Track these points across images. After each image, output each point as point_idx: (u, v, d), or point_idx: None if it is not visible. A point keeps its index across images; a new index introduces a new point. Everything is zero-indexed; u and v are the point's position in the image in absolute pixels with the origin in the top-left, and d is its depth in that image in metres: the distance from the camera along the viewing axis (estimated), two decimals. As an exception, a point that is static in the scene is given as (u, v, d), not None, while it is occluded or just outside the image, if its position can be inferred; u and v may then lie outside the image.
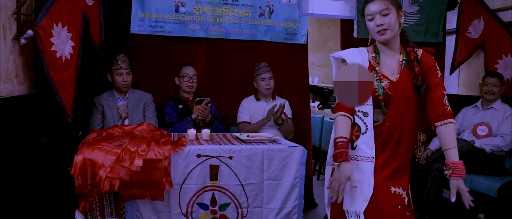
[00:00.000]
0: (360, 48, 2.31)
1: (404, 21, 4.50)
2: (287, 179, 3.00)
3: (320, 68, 7.38)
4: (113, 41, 3.84)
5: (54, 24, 2.68)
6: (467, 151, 3.85)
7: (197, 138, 3.17)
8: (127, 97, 3.65)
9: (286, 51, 4.34)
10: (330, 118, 5.44)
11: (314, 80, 7.22)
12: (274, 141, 3.18)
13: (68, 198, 2.87)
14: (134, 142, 2.82)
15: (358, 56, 2.26)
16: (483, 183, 3.71)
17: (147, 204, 2.85)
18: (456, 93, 5.03)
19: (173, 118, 3.76)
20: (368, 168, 2.17)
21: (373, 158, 2.17)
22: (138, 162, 2.65)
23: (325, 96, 6.24)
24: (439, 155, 3.94)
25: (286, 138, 3.65)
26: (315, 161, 5.77)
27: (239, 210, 2.97)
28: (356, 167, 2.16)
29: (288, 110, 4.06)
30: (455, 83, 5.09)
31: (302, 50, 4.38)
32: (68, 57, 2.88)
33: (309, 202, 4.45)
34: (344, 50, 2.36)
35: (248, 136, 3.26)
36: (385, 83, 2.19)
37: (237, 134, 3.36)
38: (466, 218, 4.01)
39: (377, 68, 2.21)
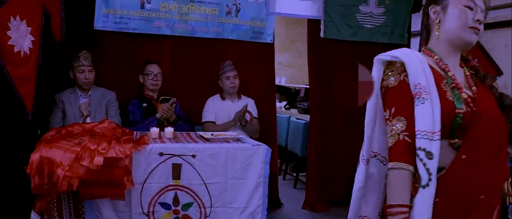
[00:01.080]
0: (413, 50, 1.62)
1: (370, 21, 4.56)
2: (251, 178, 2.98)
3: (288, 68, 7.39)
4: (76, 37, 3.74)
5: (11, 17, 2.58)
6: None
7: (160, 137, 3.11)
8: (90, 95, 3.56)
9: (252, 50, 4.32)
10: (297, 118, 5.45)
11: (281, 80, 7.23)
12: (238, 140, 3.15)
13: (23, 198, 2.78)
14: (94, 140, 2.75)
15: (415, 57, 1.53)
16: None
17: (107, 204, 2.78)
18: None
19: (136, 117, 3.69)
20: None
21: None
22: (98, 161, 2.58)
23: (292, 96, 6.25)
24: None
25: (251, 137, 3.64)
26: (281, 161, 5.78)
27: (202, 209, 2.93)
28: None
29: (253, 110, 4.04)
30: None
31: (268, 49, 4.37)
32: (27, 52, 2.78)
33: (274, 201, 4.45)
34: (395, 50, 1.58)
35: (212, 134, 3.23)
36: (464, 94, 1.50)
37: (201, 133, 3.32)
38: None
39: (450, 73, 1.54)
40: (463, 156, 1.42)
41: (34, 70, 2.90)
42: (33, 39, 2.86)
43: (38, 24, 2.96)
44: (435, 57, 1.57)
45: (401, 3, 4.65)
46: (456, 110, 1.44)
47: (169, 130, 3.15)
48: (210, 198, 2.93)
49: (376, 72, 1.58)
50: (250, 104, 4.04)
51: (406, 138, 1.43)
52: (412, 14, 4.77)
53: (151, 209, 2.86)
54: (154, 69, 3.78)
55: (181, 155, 2.86)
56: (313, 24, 4.45)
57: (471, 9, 1.53)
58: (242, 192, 2.97)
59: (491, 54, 4.17)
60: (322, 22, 4.36)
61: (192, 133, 3.42)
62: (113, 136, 2.84)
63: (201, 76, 4.25)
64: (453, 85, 1.50)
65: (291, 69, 7.37)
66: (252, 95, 4.18)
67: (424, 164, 1.38)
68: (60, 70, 3.59)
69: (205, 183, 2.91)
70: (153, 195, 2.85)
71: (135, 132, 3.23)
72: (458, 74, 1.56)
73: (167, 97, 3.78)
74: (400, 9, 4.65)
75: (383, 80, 1.56)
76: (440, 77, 1.51)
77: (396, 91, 1.50)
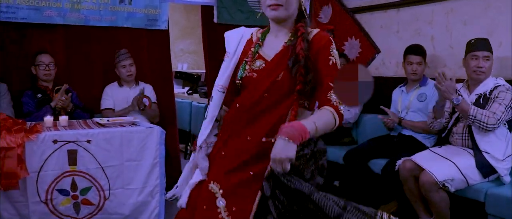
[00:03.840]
0: (254, 28, 2.03)
1: (258, 6, 4.79)
2: (146, 159, 3.10)
3: (189, 54, 7.51)
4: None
5: None
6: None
7: (54, 125, 3.13)
8: (-20, 87, 3.48)
9: (148, 37, 4.39)
10: (198, 103, 5.61)
11: (183, 66, 7.33)
12: (133, 124, 3.25)
13: None
14: (-16, 132, 2.73)
15: (237, 36, 2.00)
16: (334, 152, 4.11)
17: (1, 195, 2.78)
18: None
19: (30, 108, 3.65)
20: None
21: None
22: (-13, 151, 2.58)
23: (194, 81, 6.39)
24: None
25: (152, 122, 3.74)
26: (185, 145, 5.93)
27: (101, 192, 3.01)
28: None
29: (152, 95, 4.14)
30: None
31: (164, 36, 4.46)
32: None
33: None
34: (234, 29, 2.06)
35: (108, 120, 3.30)
36: (258, 64, 1.86)
37: (98, 119, 3.38)
38: (324, 186, 4.42)
39: (252, 49, 1.90)
40: (237, 105, 1.88)
41: None
42: None
43: None
44: (257, 36, 1.97)
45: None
46: (236, 80, 1.89)
47: (63, 118, 3.17)
48: (108, 181, 3.01)
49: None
50: (148, 89, 4.14)
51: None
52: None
53: (49, 197, 2.89)
54: (45, 59, 3.74)
55: (76, 141, 2.92)
56: (206, 10, 4.60)
57: None
58: (139, 173, 3.08)
59: (370, 34, 4.58)
60: (215, 8, 4.53)
61: (88, 120, 3.46)
62: (4, 127, 2.82)
63: (98, 64, 4.26)
64: (245, 58, 1.90)
65: (192, 56, 7.49)
66: (150, 81, 4.27)
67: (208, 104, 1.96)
68: None
69: (102, 167, 2.99)
70: (50, 182, 2.88)
71: (28, 123, 3.21)
72: (277, 43, 1.87)
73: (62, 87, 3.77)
74: (289, -6, 4.92)
75: None
76: (249, 47, 1.93)
77: None
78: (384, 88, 4.11)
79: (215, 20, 4.55)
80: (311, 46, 1.78)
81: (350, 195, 4.13)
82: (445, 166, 3.02)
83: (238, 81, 1.88)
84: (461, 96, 3.17)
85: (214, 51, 4.63)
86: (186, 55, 7.48)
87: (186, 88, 6.60)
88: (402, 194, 3.32)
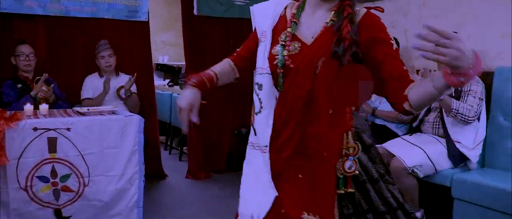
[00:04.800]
0: (286, 1, 1.71)
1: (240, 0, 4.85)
2: (126, 146, 3.16)
3: (171, 47, 7.54)
4: None
5: None
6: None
7: (35, 114, 3.18)
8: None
9: (128, 28, 4.45)
10: (179, 94, 5.67)
11: (164, 58, 7.38)
12: (113, 113, 3.31)
13: None
14: (-37, 120, 2.77)
15: (270, 10, 1.67)
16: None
17: (-19, 182, 2.84)
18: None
19: (11, 98, 3.68)
20: (260, 159, 1.59)
21: (267, 147, 1.58)
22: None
23: (174, 73, 6.45)
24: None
25: (131, 112, 3.80)
26: (166, 137, 5.99)
27: (81, 179, 3.07)
28: (254, 157, 1.63)
29: (132, 86, 4.20)
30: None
31: (144, 28, 4.52)
32: None
33: (158, 173, 4.67)
34: (261, 3, 1.73)
35: (88, 109, 3.35)
36: (292, 48, 1.55)
37: (78, 108, 3.43)
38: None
39: (288, 29, 1.58)
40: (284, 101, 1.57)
41: None
42: None
43: None
44: (292, 11, 1.63)
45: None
46: (276, 64, 1.56)
47: (44, 106, 3.22)
48: (88, 168, 3.07)
49: (252, 21, 1.73)
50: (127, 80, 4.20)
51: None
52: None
53: (28, 183, 2.94)
54: (25, 49, 3.78)
55: (56, 128, 2.97)
56: (187, 2, 4.66)
57: None
58: (118, 160, 3.15)
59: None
60: (195, 0, 4.59)
61: (68, 109, 3.51)
62: (-15, 115, 2.87)
63: (79, 55, 4.31)
64: (283, 42, 1.57)
65: (173, 48, 7.52)
66: (130, 72, 4.32)
67: (257, 95, 1.60)
68: None
69: (81, 154, 3.05)
70: (30, 169, 2.93)
71: (8, 111, 3.25)
72: (317, 22, 1.56)
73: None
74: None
75: None
76: (284, 26, 1.60)
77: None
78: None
79: (195, 12, 4.62)
80: (360, 30, 1.46)
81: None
82: (414, 153, 3.15)
83: (279, 71, 1.56)
84: None
85: (194, 43, 4.69)
86: (167, 47, 7.51)
87: (167, 80, 6.65)
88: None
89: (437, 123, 3.32)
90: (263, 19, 1.66)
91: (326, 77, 1.48)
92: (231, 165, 4.91)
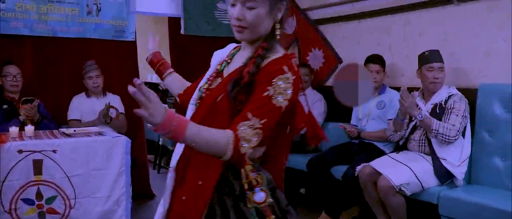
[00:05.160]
0: (228, 46, 1.78)
1: (227, 18, 4.91)
2: (112, 168, 3.15)
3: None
4: None
5: None
6: (284, 133, 4.34)
7: (20, 136, 3.16)
8: None
9: (115, 48, 4.45)
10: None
11: (152, 77, 7.37)
12: (100, 134, 3.30)
13: None
14: None
15: (223, 52, 1.76)
16: (299, 160, 4.22)
17: (-35, 205, 2.81)
18: (279, 84, 5.58)
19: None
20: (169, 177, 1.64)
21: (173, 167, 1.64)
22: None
23: (162, 92, 6.45)
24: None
25: (119, 133, 3.79)
26: (155, 155, 5.97)
27: (67, 201, 3.05)
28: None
29: (119, 106, 4.18)
30: (277, 75, 5.64)
31: (131, 47, 4.53)
32: None
33: (147, 194, 4.65)
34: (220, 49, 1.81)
35: (74, 130, 3.34)
36: (215, 83, 1.64)
37: (64, 130, 3.42)
38: (290, 194, 4.52)
39: (218, 67, 1.69)
40: None
41: None
42: None
43: None
44: (231, 52, 1.71)
45: (256, 0, 5.06)
46: (196, 98, 1.64)
47: (29, 128, 3.21)
48: (74, 190, 3.06)
49: None
50: (116, 100, 4.19)
51: None
52: (267, 11, 5.20)
53: (13, 206, 2.92)
54: (12, 70, 3.77)
55: (42, 151, 2.96)
56: (174, 22, 4.69)
57: (233, 5, 1.53)
58: (104, 182, 3.14)
59: (333, 45, 4.73)
60: (182, 19, 4.62)
61: (55, 131, 3.50)
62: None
63: (65, 75, 4.30)
64: (209, 78, 1.66)
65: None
66: (118, 92, 4.32)
67: None
68: None
69: (67, 176, 3.04)
70: (14, 192, 2.91)
71: (-7, 133, 3.24)
72: (238, 62, 1.60)
73: (29, 98, 3.79)
74: (255, 6, 5.05)
75: None
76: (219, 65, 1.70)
77: None
78: (346, 97, 4.25)
79: (182, 31, 4.64)
80: (261, 71, 1.48)
81: (315, 202, 4.26)
82: (401, 171, 3.17)
83: (196, 101, 1.64)
84: (417, 105, 3.33)
85: (181, 62, 4.71)
86: (155, 66, 7.51)
87: (155, 99, 6.64)
88: (363, 199, 3.44)
89: (423, 141, 3.35)
90: (215, 60, 1.74)
91: (220, 111, 1.52)
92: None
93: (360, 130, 3.91)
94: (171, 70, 1.92)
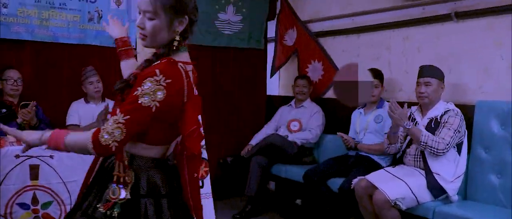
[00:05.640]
0: None
1: (229, 28, 4.93)
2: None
3: (160, 73, 7.56)
4: None
5: None
6: (281, 144, 4.37)
7: (18, 140, 3.15)
8: None
9: (115, 55, 4.44)
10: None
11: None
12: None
13: None
14: None
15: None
16: (296, 171, 4.23)
17: (-39, 208, 2.81)
18: (278, 94, 5.61)
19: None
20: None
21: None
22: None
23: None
24: (259, 149, 4.41)
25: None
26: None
27: (62, 207, 3.05)
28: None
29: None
30: (276, 85, 5.68)
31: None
32: None
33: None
34: None
35: (72, 136, 3.34)
36: None
37: (62, 135, 3.41)
38: (286, 205, 4.54)
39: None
40: None
41: None
42: None
43: None
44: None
45: (258, 12, 5.10)
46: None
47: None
48: (70, 195, 3.05)
49: None
50: (111, 106, 4.19)
51: None
52: (268, 22, 5.24)
53: (8, 210, 2.91)
54: (13, 74, 3.78)
55: (39, 156, 2.96)
56: (175, 31, 4.69)
57: (139, 14, 1.68)
58: (101, 188, 3.13)
59: (332, 58, 4.75)
60: (183, 28, 4.63)
61: (53, 136, 3.49)
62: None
63: (65, 81, 4.31)
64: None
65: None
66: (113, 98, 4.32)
67: None
68: None
69: (64, 182, 3.04)
70: (10, 196, 2.91)
71: (-9, 138, 3.25)
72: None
73: (28, 103, 3.78)
74: (256, 17, 5.09)
75: None
76: None
77: None
78: (344, 110, 4.27)
79: (184, 40, 4.65)
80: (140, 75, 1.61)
81: (311, 214, 4.26)
82: (397, 185, 3.17)
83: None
84: (415, 119, 3.36)
85: (181, 71, 4.71)
86: (155, 74, 7.54)
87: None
88: (359, 212, 3.44)
89: (418, 155, 3.35)
90: None
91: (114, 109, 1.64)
92: (216, 193, 4.86)
93: (357, 142, 3.91)
94: (131, 57, 2.10)
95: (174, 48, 1.70)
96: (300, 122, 4.58)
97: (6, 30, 3.96)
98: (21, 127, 3.60)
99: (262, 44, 5.20)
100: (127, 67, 2.16)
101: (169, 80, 1.56)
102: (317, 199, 3.99)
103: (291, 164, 4.39)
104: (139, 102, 1.53)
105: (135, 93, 1.54)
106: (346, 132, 4.15)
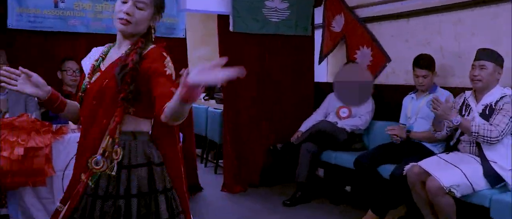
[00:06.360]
0: (109, 44, 2.05)
1: (276, 15, 4.93)
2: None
3: (206, 62, 7.61)
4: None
5: None
6: (331, 130, 4.38)
7: (79, 128, 3.30)
8: (7, 92, 3.67)
9: (166, 45, 4.56)
10: (214, 108, 5.77)
11: (200, 73, 7.50)
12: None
13: None
14: (14, 133, 2.90)
15: (93, 54, 2.03)
16: (346, 158, 4.24)
17: (30, 192, 2.98)
18: (326, 81, 5.59)
19: (56, 111, 3.83)
20: None
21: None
22: (19, 151, 2.76)
23: (210, 88, 6.56)
24: (308, 135, 4.44)
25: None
26: (202, 149, 6.09)
27: (122, 192, 3.17)
28: None
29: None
30: (324, 72, 5.66)
31: (181, 44, 4.64)
32: None
33: (194, 186, 4.76)
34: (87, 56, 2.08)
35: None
36: (94, 77, 1.89)
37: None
38: (336, 192, 4.55)
39: (94, 63, 1.95)
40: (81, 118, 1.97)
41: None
42: None
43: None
44: (105, 50, 2.00)
45: (304, -2, 5.10)
46: (79, 93, 1.93)
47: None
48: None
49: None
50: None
51: None
52: (315, 8, 5.22)
53: (72, 195, 3.06)
54: (72, 65, 3.94)
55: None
56: (223, 19, 4.77)
57: (124, 2, 1.85)
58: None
59: (381, 43, 4.70)
60: (230, 17, 4.70)
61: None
62: (33, 128, 3.01)
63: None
64: (89, 73, 1.92)
65: (209, 63, 7.63)
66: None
67: None
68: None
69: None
70: (73, 181, 3.05)
71: (54, 125, 3.40)
72: (112, 57, 1.92)
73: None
74: (303, 3, 5.08)
75: None
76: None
77: None
78: (394, 96, 4.24)
79: (231, 29, 4.72)
80: (143, 60, 1.81)
81: (360, 200, 4.26)
82: (451, 172, 3.12)
83: (80, 94, 1.92)
84: (469, 105, 3.29)
85: (229, 59, 4.75)
86: (202, 62, 7.62)
87: (203, 95, 6.77)
88: (411, 199, 3.42)
89: (473, 142, 3.29)
90: (87, 63, 1.99)
91: (107, 95, 1.80)
92: (266, 179, 4.97)
93: (409, 129, 3.86)
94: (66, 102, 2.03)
95: (152, 39, 1.95)
96: (349, 109, 4.57)
97: (63, 24, 4.12)
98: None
99: (309, 31, 5.19)
100: (70, 107, 2.07)
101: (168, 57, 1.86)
102: (367, 186, 3.98)
103: (341, 151, 4.40)
104: (173, 78, 1.79)
105: (169, 72, 1.79)
106: (397, 118, 4.11)
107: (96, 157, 1.78)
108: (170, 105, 1.61)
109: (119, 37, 1.94)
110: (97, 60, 1.95)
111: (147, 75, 1.78)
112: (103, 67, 1.91)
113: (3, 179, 2.80)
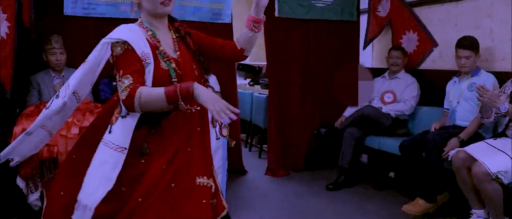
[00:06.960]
0: (130, 25, 2.01)
1: (321, 1, 4.93)
2: (211, 140, 3.34)
3: (252, 47, 7.72)
4: (46, 22, 4.02)
5: (-12, 5, 2.88)
6: (375, 116, 4.36)
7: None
8: (63, 76, 3.85)
9: (212, 30, 4.66)
10: (259, 93, 5.85)
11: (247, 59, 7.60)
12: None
13: (8, 167, 3.10)
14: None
15: (132, 34, 1.94)
16: (390, 144, 4.22)
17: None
18: (371, 66, 5.55)
19: (107, 94, 4.00)
20: (115, 157, 1.83)
21: (125, 149, 1.83)
22: (75, 130, 2.93)
23: (256, 73, 6.64)
24: (352, 120, 4.44)
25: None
26: (247, 134, 6.19)
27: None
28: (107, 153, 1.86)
29: (216, 85, 4.40)
30: (369, 57, 5.62)
31: (227, 29, 4.71)
32: (5, 37, 3.09)
33: (239, 169, 4.86)
34: (114, 31, 2.01)
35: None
36: (173, 63, 1.93)
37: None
38: (379, 177, 4.54)
39: (161, 48, 1.94)
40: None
41: (11, 54, 3.20)
42: (9, 24, 3.15)
43: (13, 11, 3.24)
44: (149, 33, 1.96)
45: (350, -17, 5.06)
46: (172, 79, 1.89)
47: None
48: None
49: (98, 52, 2.01)
50: (212, 79, 4.41)
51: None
52: (360, -7, 5.19)
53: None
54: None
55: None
56: (268, 4, 4.76)
57: None
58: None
59: (428, 28, 4.63)
60: (276, 2, 4.74)
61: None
62: (87, 109, 3.17)
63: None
64: (166, 58, 1.93)
65: (255, 48, 7.64)
66: (214, 71, 4.52)
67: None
68: (33, 53, 3.88)
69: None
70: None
71: (106, 107, 3.56)
72: (166, 39, 2.00)
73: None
74: (349, -12, 5.06)
75: (112, 51, 1.96)
76: (155, 47, 1.93)
77: (123, 57, 1.91)
78: (440, 81, 4.17)
79: (276, 14, 4.76)
80: (192, 35, 2.16)
81: (403, 186, 4.24)
82: (499, 158, 3.07)
83: (174, 80, 1.90)
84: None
85: (275, 44, 4.83)
86: (248, 47, 7.71)
87: (248, 80, 6.85)
88: (455, 184, 3.38)
89: (524, 128, 3.22)
90: (137, 44, 1.90)
91: (194, 77, 1.97)
92: (309, 164, 5.01)
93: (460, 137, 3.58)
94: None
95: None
96: (394, 94, 4.54)
97: (114, 10, 4.27)
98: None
99: (355, 16, 5.16)
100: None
101: None
102: (413, 171, 3.94)
103: (385, 136, 4.38)
104: None
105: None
106: (441, 103, 4.06)
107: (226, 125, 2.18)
108: (242, 36, 2.19)
109: (151, 20, 2.00)
110: (158, 48, 1.93)
111: (200, 46, 2.12)
112: (168, 52, 1.96)
113: (61, 157, 2.97)
